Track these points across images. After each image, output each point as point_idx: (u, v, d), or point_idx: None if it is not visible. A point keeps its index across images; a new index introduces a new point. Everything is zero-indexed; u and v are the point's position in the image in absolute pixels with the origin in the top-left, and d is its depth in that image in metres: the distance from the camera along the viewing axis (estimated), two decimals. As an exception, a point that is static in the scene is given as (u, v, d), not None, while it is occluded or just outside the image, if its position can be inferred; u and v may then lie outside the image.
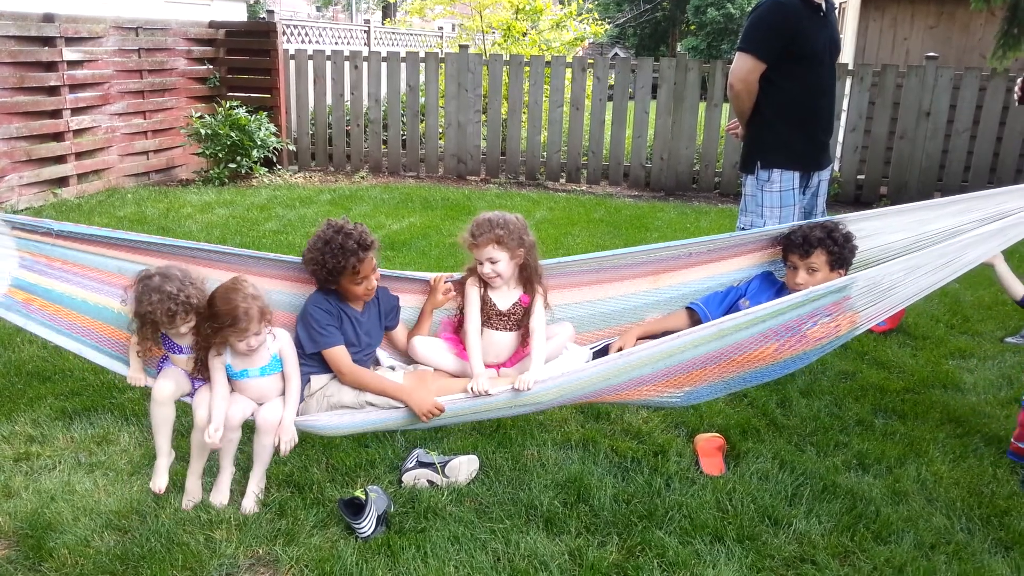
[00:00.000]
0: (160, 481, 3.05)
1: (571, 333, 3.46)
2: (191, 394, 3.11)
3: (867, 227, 3.48)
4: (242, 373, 3.04)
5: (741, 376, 3.12)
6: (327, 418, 3.07)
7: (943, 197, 3.57)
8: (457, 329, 3.41)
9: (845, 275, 3.30)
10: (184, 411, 3.20)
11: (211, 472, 3.14)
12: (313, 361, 3.14)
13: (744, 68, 4.17)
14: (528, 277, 3.28)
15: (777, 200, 4.24)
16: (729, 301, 3.51)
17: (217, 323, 2.91)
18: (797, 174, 4.25)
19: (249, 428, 3.11)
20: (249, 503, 3.04)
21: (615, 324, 3.61)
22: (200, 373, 3.07)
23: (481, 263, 3.21)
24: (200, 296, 2.96)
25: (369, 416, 3.06)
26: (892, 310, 3.14)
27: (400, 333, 3.42)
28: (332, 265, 3.03)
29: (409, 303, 3.48)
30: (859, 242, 3.42)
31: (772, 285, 3.54)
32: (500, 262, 3.19)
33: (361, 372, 3.13)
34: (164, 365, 3.12)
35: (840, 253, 3.37)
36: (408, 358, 3.40)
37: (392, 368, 3.33)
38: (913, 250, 3.21)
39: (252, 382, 3.06)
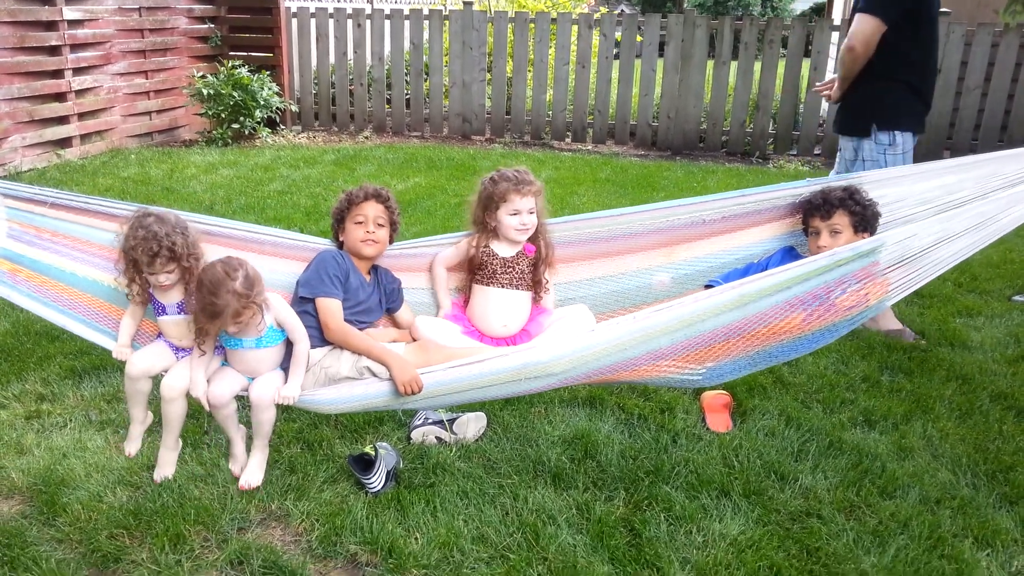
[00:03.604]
0: (132, 446, 3.00)
1: (589, 316, 3.31)
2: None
3: (889, 194, 3.29)
4: (236, 343, 2.88)
5: (766, 351, 2.86)
6: (324, 393, 2.93)
7: (959, 156, 3.44)
8: (463, 307, 3.36)
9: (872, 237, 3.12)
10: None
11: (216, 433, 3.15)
12: (310, 334, 3.01)
13: (868, 29, 4.08)
14: (534, 232, 3.27)
15: (903, 163, 4.15)
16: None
17: (203, 312, 2.74)
18: (911, 135, 4.24)
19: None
20: (253, 477, 2.95)
21: (630, 304, 3.42)
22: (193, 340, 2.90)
23: (518, 212, 3.20)
24: (188, 248, 2.84)
25: (368, 389, 2.88)
26: (927, 278, 2.89)
27: (405, 314, 3.33)
28: (344, 202, 3.19)
29: (418, 283, 3.42)
30: (883, 209, 3.25)
31: (794, 260, 3.40)
32: (535, 213, 3.22)
33: (348, 329, 3.00)
34: (156, 341, 3.01)
35: (863, 214, 3.21)
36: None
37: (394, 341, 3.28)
38: (943, 212, 3.02)
39: (247, 353, 2.90)
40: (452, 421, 3.30)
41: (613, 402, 3.58)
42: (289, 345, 2.94)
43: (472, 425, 3.32)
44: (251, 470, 2.95)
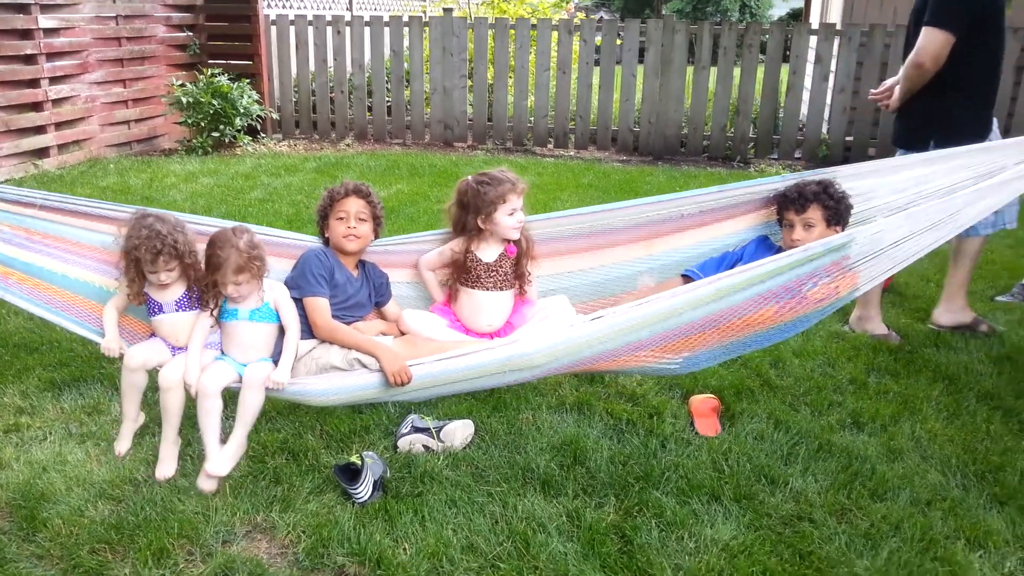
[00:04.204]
0: (122, 445, 3.09)
1: (567, 306, 3.42)
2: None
3: (862, 186, 3.42)
4: (232, 313, 3.03)
5: (740, 341, 3.04)
6: (316, 382, 3.01)
7: (935, 151, 3.52)
8: (449, 300, 3.42)
9: (842, 232, 3.27)
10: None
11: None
12: (302, 326, 3.15)
13: (937, 44, 3.92)
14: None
15: None
16: (726, 266, 3.46)
17: (208, 265, 2.98)
18: None
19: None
20: (222, 465, 2.90)
21: (609, 294, 3.56)
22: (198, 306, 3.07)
23: (515, 211, 3.30)
24: (187, 246, 3.00)
25: (359, 380, 2.98)
26: (892, 270, 3.07)
27: (393, 308, 3.47)
28: (326, 200, 3.32)
29: (404, 278, 3.54)
30: (855, 202, 3.38)
31: (769, 249, 3.49)
32: (522, 211, 3.33)
33: (337, 326, 3.15)
34: (152, 339, 3.12)
35: (836, 208, 3.32)
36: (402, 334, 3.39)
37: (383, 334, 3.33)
38: (911, 207, 3.15)
39: (239, 326, 3.03)
40: (439, 429, 3.27)
41: (601, 408, 3.56)
42: (281, 336, 3.09)
43: (459, 433, 3.29)
44: (222, 457, 2.91)
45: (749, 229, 3.56)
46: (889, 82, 4.36)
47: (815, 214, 3.33)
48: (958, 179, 3.24)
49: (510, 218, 3.29)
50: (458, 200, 3.36)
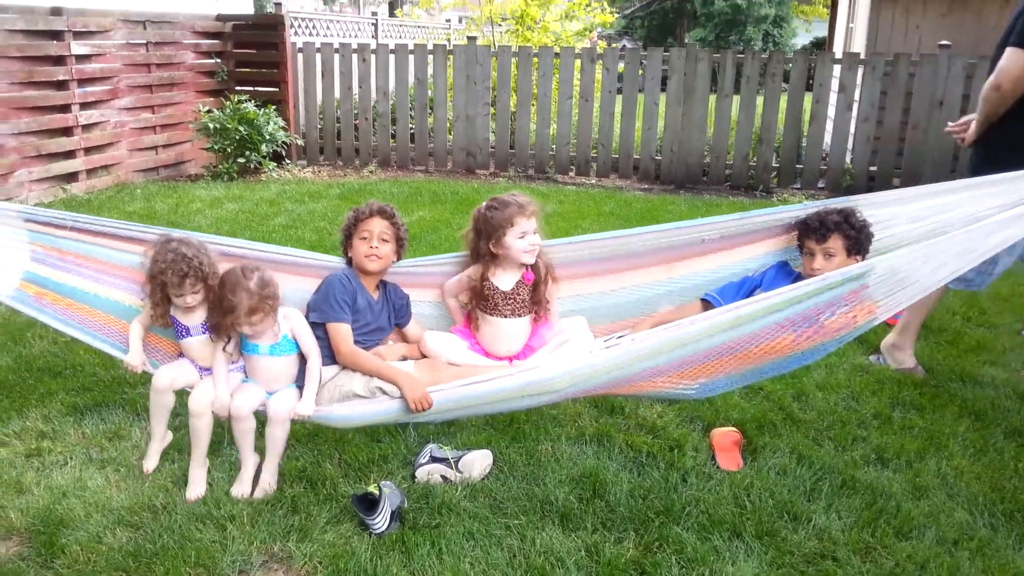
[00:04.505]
0: (149, 463, 3.16)
1: (585, 329, 3.41)
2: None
3: (882, 214, 3.38)
4: (252, 348, 3.08)
5: (757, 368, 3.04)
6: (339, 408, 3.09)
7: (959, 180, 3.46)
8: (469, 322, 3.42)
9: (862, 261, 3.24)
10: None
11: (222, 467, 3.12)
12: (323, 353, 3.17)
13: (1019, 65, 3.68)
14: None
15: None
16: (745, 291, 3.45)
17: (220, 308, 2.99)
18: None
19: (262, 422, 3.10)
20: (267, 486, 3.06)
21: (628, 316, 3.56)
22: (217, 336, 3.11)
23: (526, 234, 3.28)
24: (212, 267, 3.05)
25: (380, 407, 3.03)
26: (911, 300, 3.03)
27: (414, 328, 3.48)
28: (351, 219, 3.34)
29: (426, 297, 3.57)
30: (875, 230, 3.34)
31: (788, 275, 3.47)
32: (537, 234, 3.31)
33: (359, 353, 3.18)
34: (180, 359, 3.19)
35: (857, 238, 3.29)
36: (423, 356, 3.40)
37: (404, 359, 3.35)
38: (932, 237, 3.10)
39: (262, 361, 3.08)
40: (458, 459, 3.25)
41: (621, 439, 3.52)
42: (303, 361, 3.13)
43: (478, 463, 3.26)
44: (265, 478, 3.07)
45: (769, 254, 3.55)
46: (968, 116, 4.12)
47: (836, 243, 3.30)
48: (980, 209, 3.19)
49: (520, 241, 3.28)
50: (473, 227, 3.39)
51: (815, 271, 3.25)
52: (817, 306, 2.91)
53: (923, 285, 3.00)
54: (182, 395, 3.16)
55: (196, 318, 3.10)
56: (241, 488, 3.06)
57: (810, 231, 3.37)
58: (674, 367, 2.97)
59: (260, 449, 3.13)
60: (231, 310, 2.94)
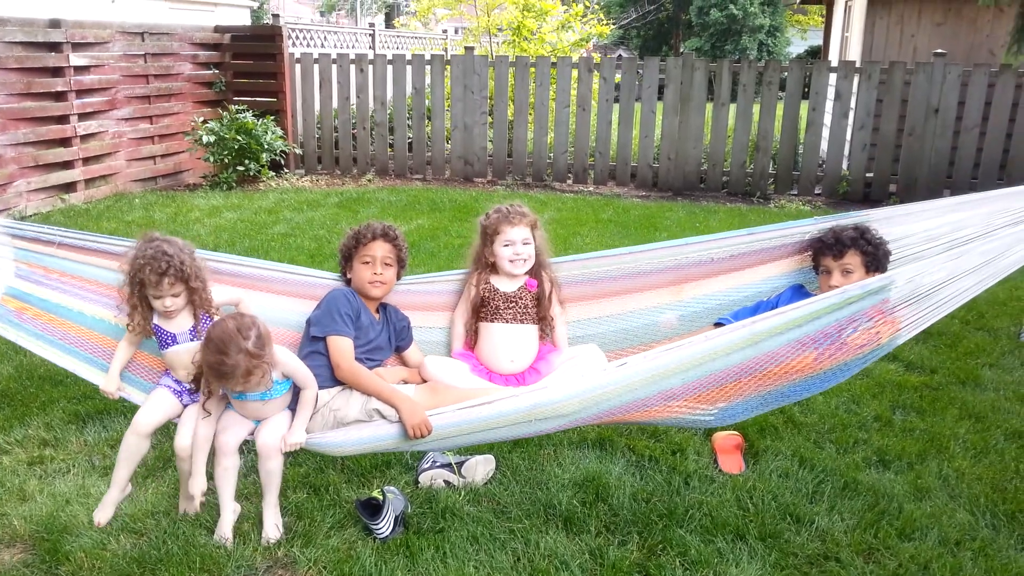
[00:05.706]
0: (103, 514, 2.92)
1: (599, 355, 3.30)
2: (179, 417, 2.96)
3: (895, 232, 3.25)
4: (240, 395, 2.82)
5: (779, 391, 2.82)
6: (332, 435, 2.90)
7: (960, 195, 3.41)
8: (472, 345, 3.36)
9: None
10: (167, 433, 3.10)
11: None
12: (320, 374, 3.00)
13: None
14: (535, 267, 3.33)
15: None
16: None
17: (215, 372, 2.67)
18: None
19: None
20: (271, 533, 2.87)
21: (639, 342, 3.42)
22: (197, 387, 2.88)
23: (511, 243, 3.26)
24: (194, 269, 2.85)
25: (377, 431, 2.86)
26: (935, 315, 2.86)
27: (415, 353, 3.33)
28: (351, 241, 3.20)
29: (425, 322, 3.43)
30: (891, 247, 3.21)
31: (804, 298, 3.36)
32: (531, 244, 3.28)
33: (359, 369, 2.98)
34: (160, 384, 3.00)
35: (875, 254, 3.16)
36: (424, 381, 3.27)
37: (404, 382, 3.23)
38: (950, 250, 2.98)
39: (251, 404, 2.86)
40: (460, 464, 3.26)
41: (623, 443, 3.53)
42: (296, 388, 2.92)
43: (481, 468, 3.27)
44: (269, 521, 2.89)
45: (783, 276, 3.40)
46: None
47: (853, 259, 3.17)
48: (996, 224, 3.08)
49: (505, 249, 3.25)
50: (479, 232, 3.38)
51: (833, 289, 3.00)
52: (839, 321, 2.74)
53: (946, 298, 2.86)
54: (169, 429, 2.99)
55: (182, 323, 2.90)
56: (221, 532, 2.84)
57: (826, 248, 3.23)
58: (690, 390, 2.77)
59: (243, 494, 2.98)
60: (225, 376, 2.64)
